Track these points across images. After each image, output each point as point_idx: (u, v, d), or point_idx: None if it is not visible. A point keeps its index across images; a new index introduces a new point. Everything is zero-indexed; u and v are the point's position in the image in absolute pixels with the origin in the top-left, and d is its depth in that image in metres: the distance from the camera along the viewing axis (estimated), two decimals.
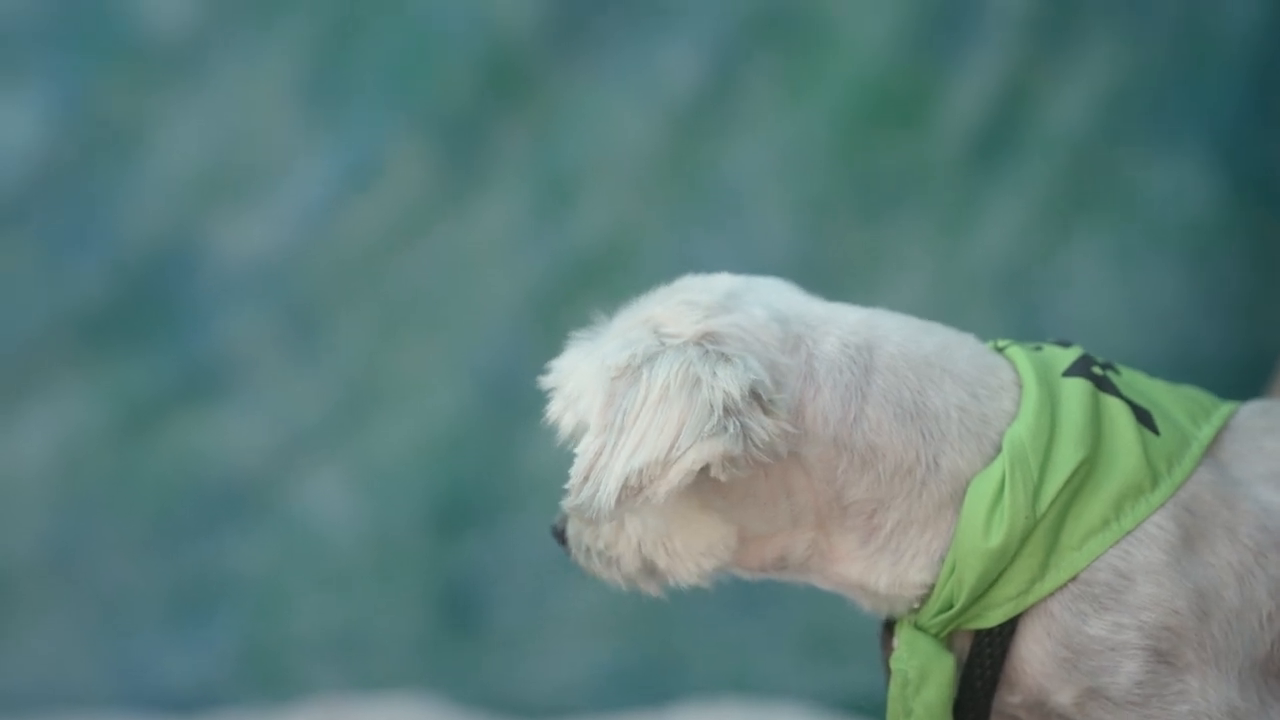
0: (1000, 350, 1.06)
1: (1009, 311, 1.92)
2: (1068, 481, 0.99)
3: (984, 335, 2.15)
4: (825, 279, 1.94)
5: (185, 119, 1.94)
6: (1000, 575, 0.99)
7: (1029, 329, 1.92)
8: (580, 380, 1.01)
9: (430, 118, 1.95)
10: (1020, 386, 1.02)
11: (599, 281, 1.95)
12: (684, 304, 1.02)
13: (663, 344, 0.99)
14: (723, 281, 1.05)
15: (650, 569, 1.06)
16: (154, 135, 1.94)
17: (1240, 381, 1.74)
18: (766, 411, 0.97)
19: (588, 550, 1.07)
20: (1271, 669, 1.00)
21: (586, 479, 0.98)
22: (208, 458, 1.96)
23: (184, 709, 1.89)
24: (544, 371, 1.05)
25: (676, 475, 0.96)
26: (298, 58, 1.94)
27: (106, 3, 1.91)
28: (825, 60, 1.93)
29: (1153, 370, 1.98)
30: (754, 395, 0.96)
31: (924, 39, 1.92)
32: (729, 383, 0.96)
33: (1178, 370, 1.91)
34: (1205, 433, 1.04)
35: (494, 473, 1.95)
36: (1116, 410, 1.03)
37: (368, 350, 1.97)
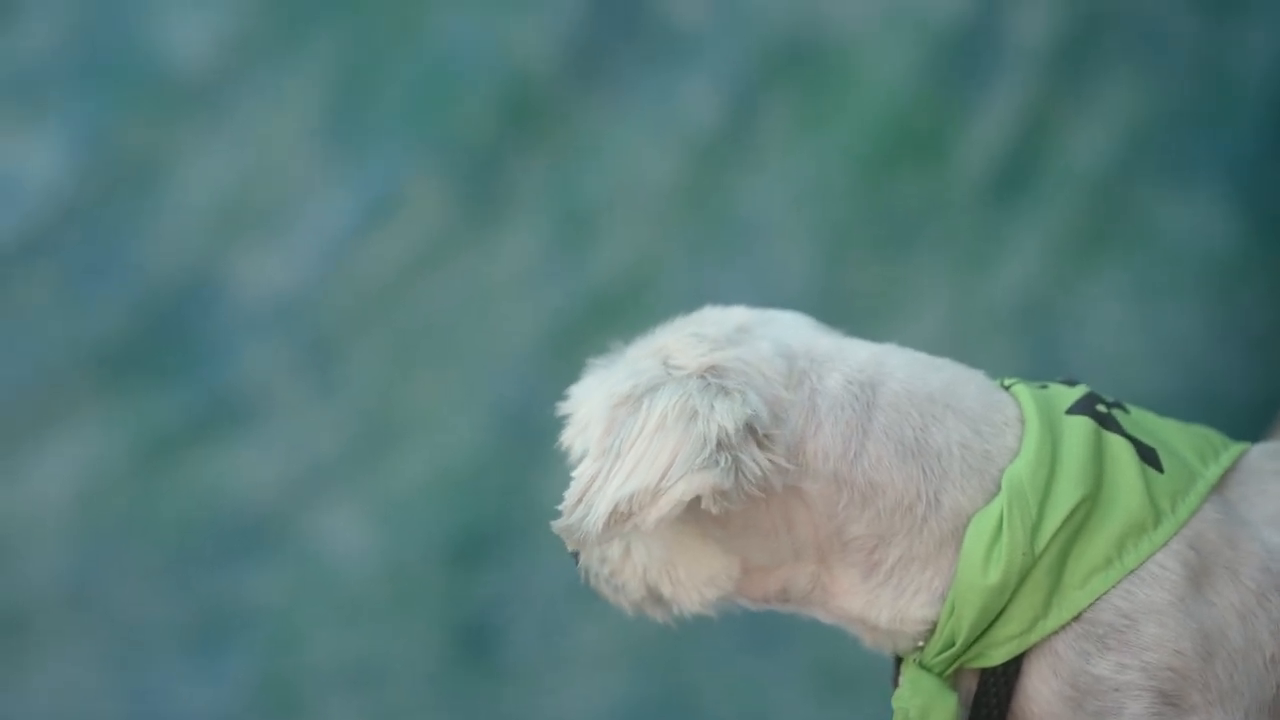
0: (1006, 388, 1.05)
1: (1027, 346, 1.92)
2: (1067, 519, 0.99)
3: (1002, 370, 2.14)
4: (844, 313, 1.96)
5: (206, 154, 1.96)
6: (1002, 613, 0.99)
7: (1047, 364, 1.91)
8: (590, 408, 1.02)
9: (449, 152, 1.96)
10: (1024, 423, 1.02)
11: (617, 315, 1.96)
12: (693, 336, 1.02)
13: (668, 374, 1.00)
14: (737, 315, 1.05)
15: (656, 596, 1.06)
16: (175, 170, 1.95)
17: (1258, 418, 1.73)
18: (761, 446, 0.97)
19: (595, 575, 1.08)
20: (1277, 712, 0.99)
21: (580, 502, 0.98)
22: (226, 490, 1.96)
23: None
24: (562, 402, 1.06)
25: (666, 505, 0.96)
26: (318, 93, 1.95)
27: (129, 39, 1.92)
28: (844, 95, 1.93)
29: (1171, 406, 1.98)
30: (749, 430, 0.97)
31: (943, 74, 1.93)
32: (724, 417, 0.96)
33: (1196, 406, 1.91)
34: (1212, 472, 1.04)
35: (511, 506, 1.95)
36: (1119, 448, 1.02)
37: (386, 384, 1.98)
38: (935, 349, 2.07)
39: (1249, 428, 1.78)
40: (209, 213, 1.96)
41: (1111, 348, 1.91)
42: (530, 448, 1.90)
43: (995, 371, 1.96)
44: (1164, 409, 1.82)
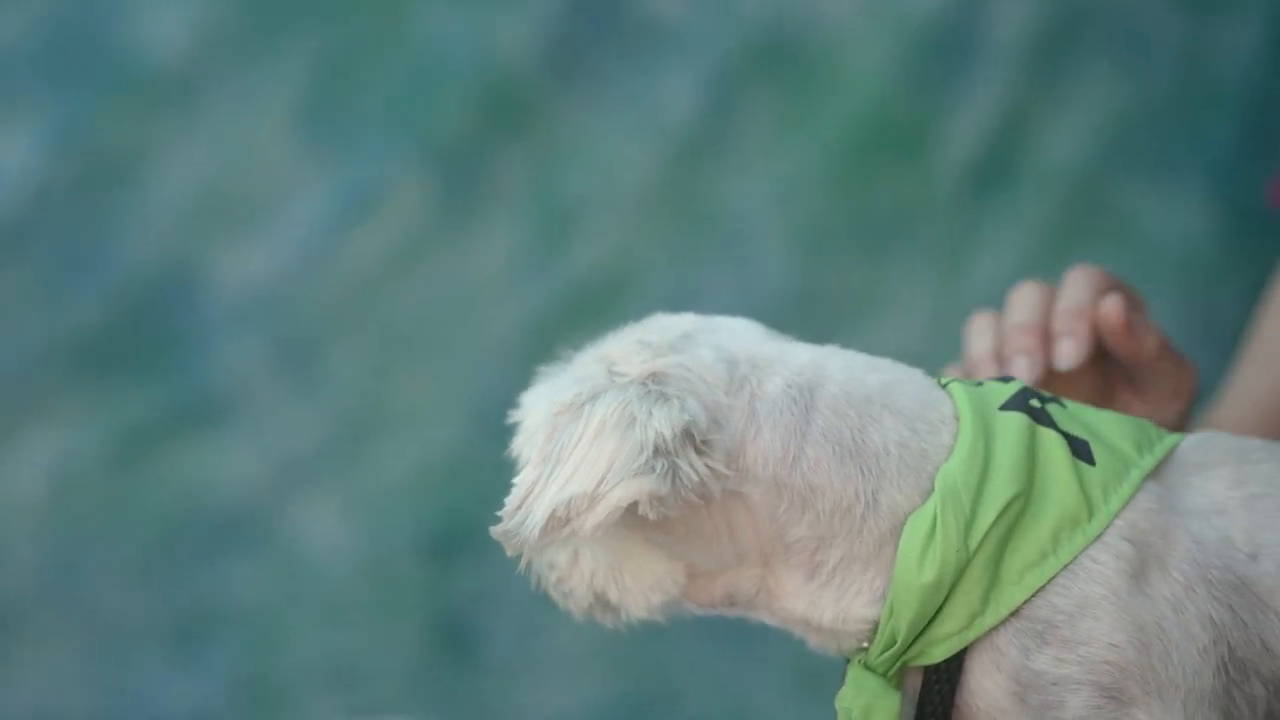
0: (943, 386, 1.05)
1: None
2: (1000, 515, 0.99)
3: None
4: (823, 310, 1.96)
5: (183, 148, 1.95)
6: (940, 611, 0.99)
7: None
8: (537, 415, 1.03)
9: (429, 148, 1.95)
10: (959, 421, 1.02)
11: (597, 312, 1.96)
12: (638, 343, 1.02)
13: (612, 381, 1.00)
14: (683, 322, 1.05)
15: (604, 602, 1.07)
16: (153, 164, 1.95)
17: None
18: (699, 452, 0.97)
19: (544, 581, 1.09)
20: (1217, 702, 1.00)
21: (519, 508, 0.99)
22: (204, 486, 1.96)
23: None
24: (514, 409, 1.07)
25: (603, 511, 0.96)
26: (297, 87, 1.95)
27: (104, 31, 1.92)
28: (824, 92, 1.94)
29: None
30: (687, 436, 0.97)
31: (923, 71, 1.93)
32: (662, 423, 0.96)
33: None
34: (1147, 461, 1.03)
35: (491, 503, 1.93)
36: (1052, 443, 1.02)
37: (365, 380, 1.97)
38: (915, 345, 2.08)
39: None
40: (187, 207, 1.96)
41: None
42: (511, 444, 1.90)
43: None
44: None
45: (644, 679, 1.90)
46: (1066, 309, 1.18)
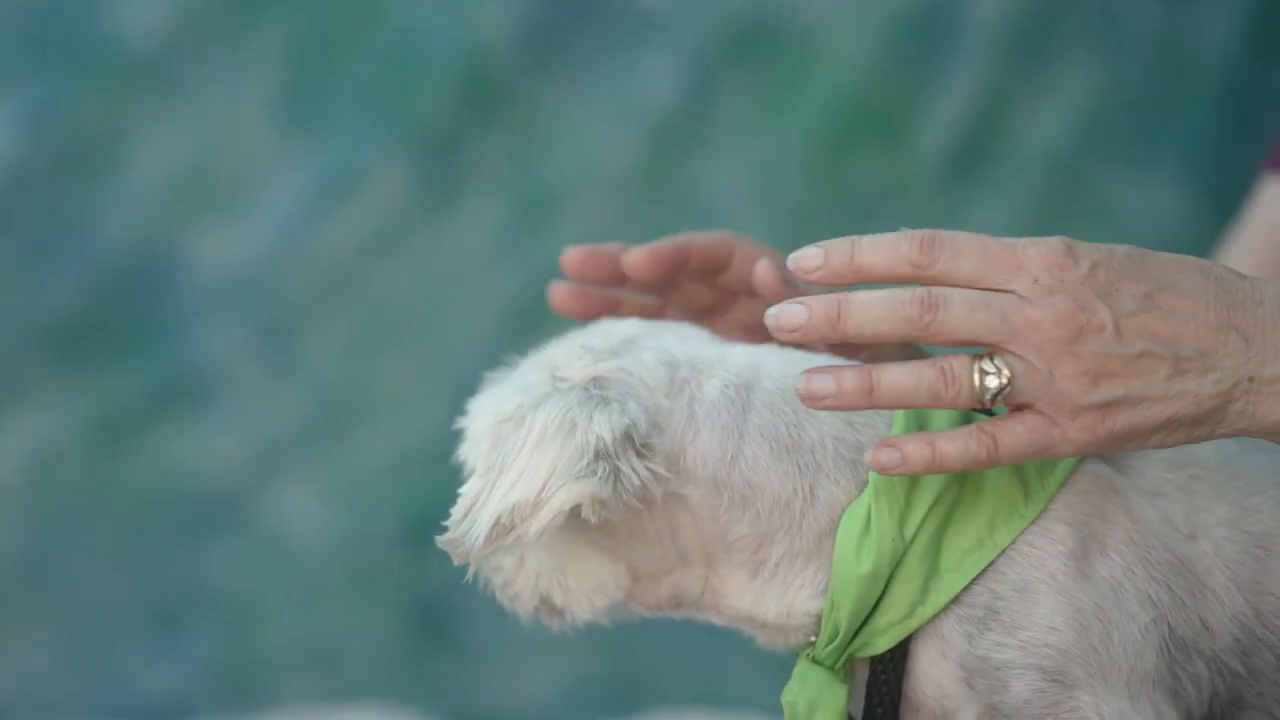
0: None
1: None
2: (935, 504, 1.00)
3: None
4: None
5: (161, 130, 1.94)
6: (881, 602, 1.00)
7: None
8: (482, 423, 1.04)
9: (408, 131, 1.95)
10: (894, 412, 1.02)
11: None
12: (580, 348, 1.03)
13: (555, 387, 1.01)
14: (627, 327, 1.06)
15: (549, 605, 1.08)
16: (129, 146, 1.94)
17: None
18: (640, 455, 0.98)
19: (490, 585, 1.10)
20: (1162, 682, 1.00)
21: (465, 517, 0.99)
22: (183, 470, 1.96)
23: (160, 719, 1.89)
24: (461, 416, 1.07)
25: (547, 515, 0.97)
26: (275, 70, 1.94)
27: (82, 14, 1.91)
28: (804, 76, 1.94)
29: None
30: (627, 439, 0.98)
31: (902, 55, 1.93)
32: (602, 426, 0.97)
33: None
34: None
35: None
36: None
37: (344, 363, 1.97)
38: None
39: None
40: (165, 190, 1.95)
41: None
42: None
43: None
44: None
45: (620, 662, 1.90)
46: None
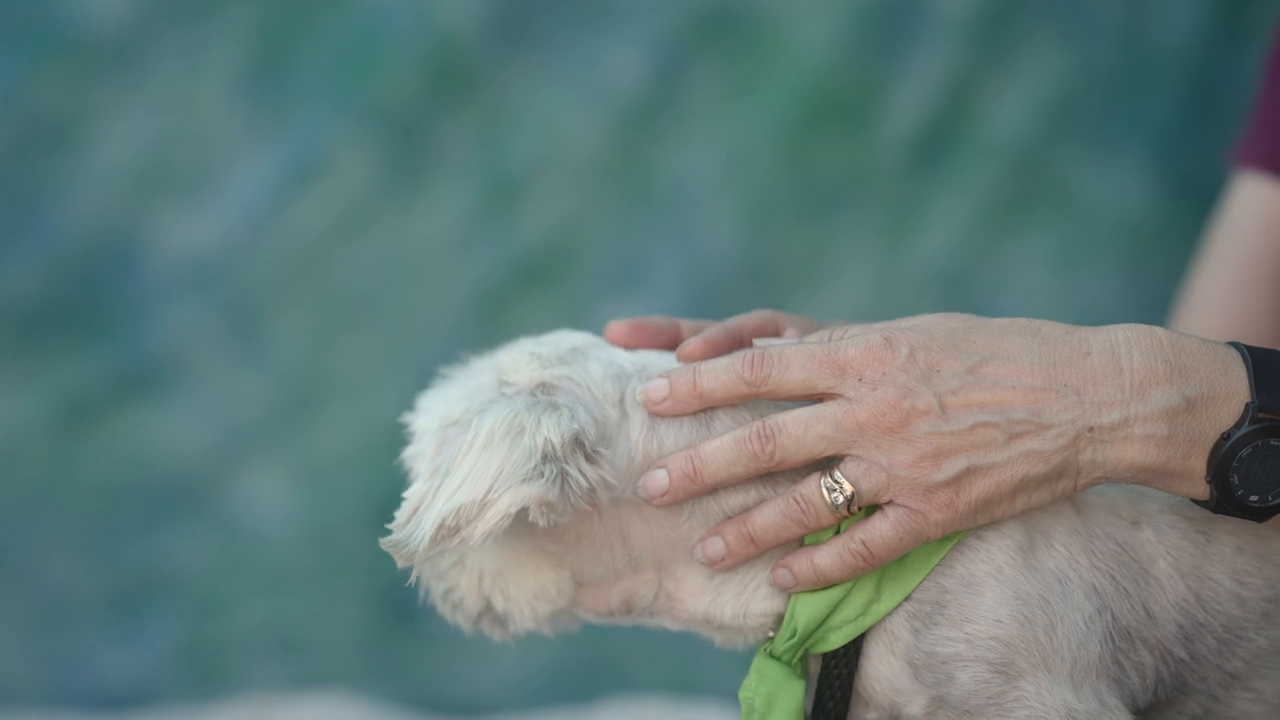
0: None
1: (950, 311, 1.94)
2: None
3: None
4: (769, 279, 1.97)
5: (126, 113, 1.93)
6: (840, 600, 1.02)
7: None
8: (428, 426, 1.04)
9: (374, 115, 1.94)
10: None
11: (543, 280, 1.96)
12: (529, 355, 1.04)
13: (501, 393, 1.01)
14: (575, 338, 1.07)
15: (491, 612, 1.08)
16: (93, 130, 1.93)
17: None
18: (589, 460, 0.99)
19: (432, 593, 1.10)
20: (1106, 671, 1.02)
21: (409, 520, 0.99)
22: (148, 455, 1.95)
23: (122, 706, 1.88)
24: (410, 413, 1.07)
25: (493, 518, 0.97)
26: (240, 52, 1.93)
27: None
28: (770, 62, 1.94)
29: None
30: (576, 443, 0.99)
31: (868, 42, 1.94)
32: (551, 430, 0.98)
33: None
34: None
35: None
36: None
37: (309, 348, 1.97)
38: (858, 315, 2.08)
39: None
40: (129, 174, 1.94)
41: (1031, 311, 1.92)
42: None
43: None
44: None
45: (587, 649, 1.90)
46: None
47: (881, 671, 1.02)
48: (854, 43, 1.93)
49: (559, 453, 0.98)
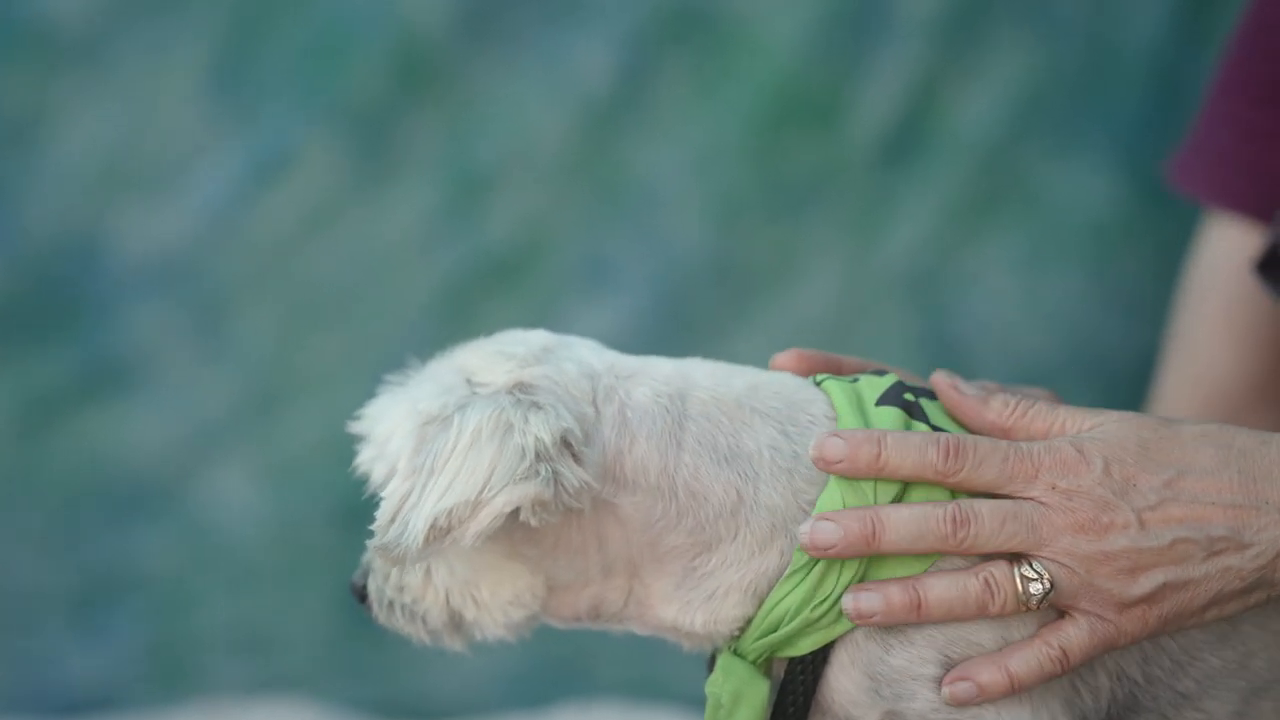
0: (818, 384, 1.08)
1: (917, 311, 1.94)
2: None
3: (894, 334, 2.15)
4: (736, 278, 1.97)
5: (89, 109, 1.92)
6: (814, 591, 1.01)
7: (936, 328, 1.94)
8: (390, 425, 1.03)
9: (341, 111, 1.94)
10: (833, 420, 1.04)
11: (511, 277, 1.95)
12: (498, 354, 1.03)
13: (475, 392, 1.00)
14: (539, 337, 1.06)
15: (457, 622, 1.07)
16: (56, 126, 1.92)
17: (1139, 379, 1.77)
18: (577, 459, 0.99)
19: (390, 605, 1.08)
20: (1060, 691, 1.03)
21: (393, 521, 0.98)
22: (112, 453, 1.94)
23: (86, 706, 1.87)
24: (355, 421, 1.06)
25: (487, 517, 0.97)
26: (205, 47, 1.92)
27: None
28: (738, 60, 1.94)
29: (1055, 368, 2.02)
30: (565, 443, 0.98)
31: (835, 41, 1.94)
32: (541, 429, 0.98)
33: (1079, 368, 1.94)
34: None
35: None
36: None
37: (275, 345, 1.96)
38: (825, 315, 2.08)
39: (1130, 387, 1.82)
40: (93, 171, 1.93)
41: (998, 311, 1.94)
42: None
43: (886, 337, 1.98)
44: (1047, 375, 1.86)
45: (554, 649, 1.90)
46: None
47: (842, 682, 1.02)
48: (822, 42, 1.93)
49: (550, 451, 0.97)
